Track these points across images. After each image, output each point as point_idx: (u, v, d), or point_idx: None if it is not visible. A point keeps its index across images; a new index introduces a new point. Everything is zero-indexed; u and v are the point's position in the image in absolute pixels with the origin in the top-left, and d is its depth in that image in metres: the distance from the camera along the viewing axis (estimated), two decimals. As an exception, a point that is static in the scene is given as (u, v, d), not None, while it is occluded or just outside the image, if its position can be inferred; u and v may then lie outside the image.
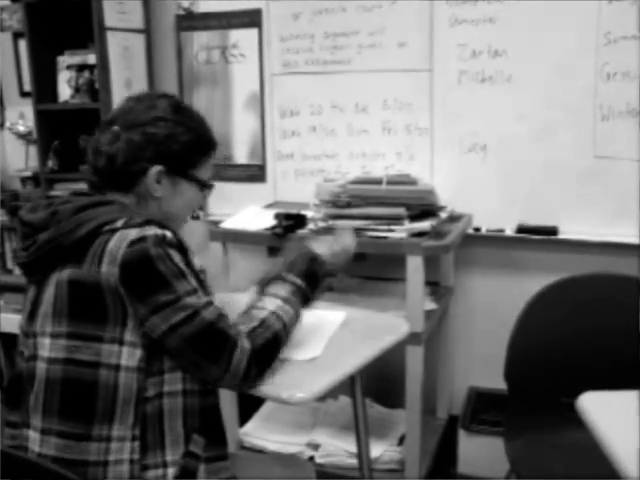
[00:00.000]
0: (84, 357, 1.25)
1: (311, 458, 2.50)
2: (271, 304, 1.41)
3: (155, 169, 1.37)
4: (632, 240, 2.39)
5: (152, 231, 1.27)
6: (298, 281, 1.47)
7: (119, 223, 1.29)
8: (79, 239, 1.27)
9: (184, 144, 1.40)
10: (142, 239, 1.26)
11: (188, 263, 1.31)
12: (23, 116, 3.34)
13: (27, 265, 1.35)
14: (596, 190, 2.46)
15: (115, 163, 1.36)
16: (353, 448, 2.17)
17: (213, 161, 1.50)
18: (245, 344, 1.31)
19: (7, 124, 3.41)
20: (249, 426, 2.68)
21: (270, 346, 1.36)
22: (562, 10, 2.39)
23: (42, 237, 1.31)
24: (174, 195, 1.43)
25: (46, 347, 1.29)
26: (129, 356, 1.25)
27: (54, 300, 1.29)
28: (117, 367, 1.25)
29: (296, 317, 1.45)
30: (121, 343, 1.25)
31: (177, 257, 1.28)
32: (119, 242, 1.26)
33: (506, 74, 2.50)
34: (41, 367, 1.28)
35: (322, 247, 1.59)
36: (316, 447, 2.54)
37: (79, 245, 1.27)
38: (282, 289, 1.45)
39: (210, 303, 1.31)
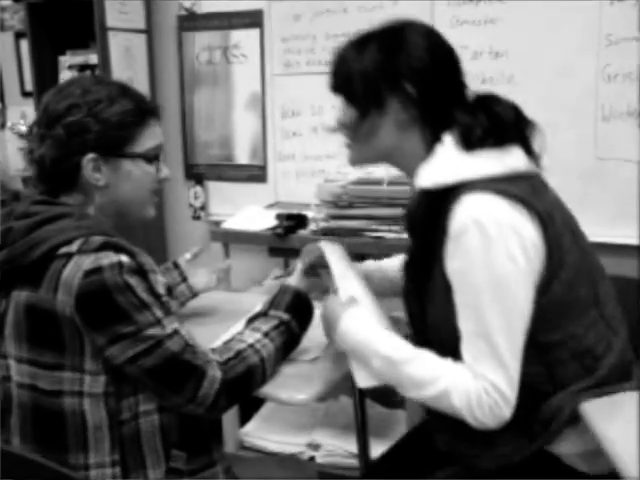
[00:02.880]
0: (46, 386, 1.22)
1: (312, 458, 2.50)
2: (250, 337, 1.36)
3: (87, 159, 1.27)
4: (632, 241, 2.39)
5: (107, 260, 1.19)
6: (284, 316, 1.43)
7: (74, 246, 1.21)
8: (34, 261, 1.21)
9: (108, 121, 1.28)
10: (97, 270, 1.18)
11: (150, 288, 1.24)
12: (24, 116, 3.34)
13: None
14: (597, 191, 2.46)
15: (45, 166, 1.28)
16: (354, 448, 2.17)
17: (154, 128, 1.36)
18: (216, 373, 1.26)
19: (8, 124, 3.41)
20: (249, 426, 2.67)
21: (243, 379, 1.31)
22: (563, 11, 2.39)
23: None
24: (120, 179, 1.32)
25: (14, 370, 1.26)
26: (92, 383, 1.21)
27: (14, 323, 1.25)
28: (80, 394, 1.21)
29: (277, 351, 1.38)
30: (82, 371, 1.21)
31: (137, 285, 1.21)
32: (74, 271, 1.19)
33: (507, 75, 2.51)
34: (14, 390, 1.26)
35: (303, 283, 1.53)
36: (317, 447, 2.53)
37: (35, 268, 1.21)
38: (264, 324, 1.41)
39: (175, 332, 1.24)
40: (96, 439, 1.22)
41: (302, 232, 2.41)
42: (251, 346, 1.34)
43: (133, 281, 1.21)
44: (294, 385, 1.41)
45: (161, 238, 3.22)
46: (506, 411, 1.19)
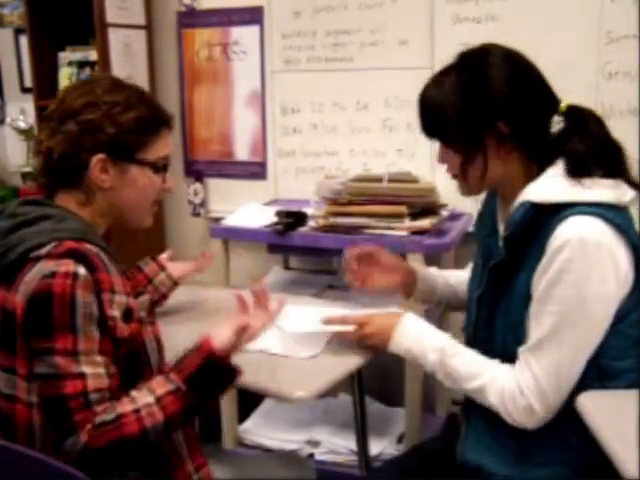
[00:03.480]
0: (4, 389, 1.22)
1: (311, 455, 2.50)
2: (141, 399, 1.19)
3: (96, 158, 1.28)
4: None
5: (64, 267, 1.17)
6: (182, 386, 1.21)
7: (44, 250, 1.20)
8: (10, 263, 1.21)
9: (123, 125, 1.29)
10: (52, 274, 1.16)
11: (100, 311, 1.19)
12: (24, 112, 3.33)
13: None
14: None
15: (52, 159, 1.28)
16: (353, 446, 2.17)
17: (166, 138, 1.37)
18: (80, 439, 1.14)
19: (8, 120, 3.41)
20: (249, 423, 2.68)
21: (112, 448, 1.15)
22: (564, 8, 2.39)
23: None
24: (125, 184, 1.32)
25: None
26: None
27: None
28: (30, 404, 1.19)
29: (167, 420, 1.19)
30: (29, 380, 1.19)
31: (81, 305, 1.16)
32: (35, 274, 1.18)
33: (507, 72, 2.50)
34: None
35: (225, 333, 1.28)
36: (316, 444, 2.54)
37: (11, 269, 1.21)
38: (160, 386, 1.21)
39: (81, 375, 1.15)
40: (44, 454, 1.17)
41: (302, 229, 2.40)
42: (137, 411, 1.17)
43: (80, 298, 1.17)
44: (293, 382, 1.41)
45: (160, 235, 3.22)
46: (541, 412, 1.26)
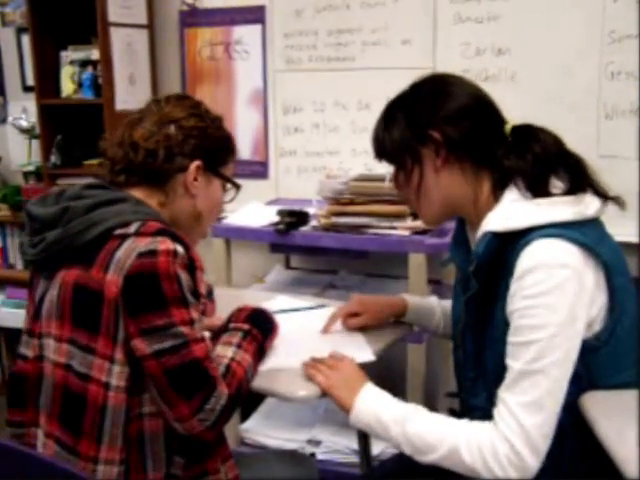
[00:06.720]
0: (78, 367, 1.22)
1: (312, 455, 2.50)
2: (228, 351, 1.30)
3: (195, 164, 1.35)
4: (632, 239, 2.39)
5: (164, 245, 1.20)
6: (244, 326, 1.38)
7: (132, 228, 1.22)
8: (89, 241, 1.22)
9: (217, 140, 1.40)
10: (152, 252, 1.19)
11: (194, 288, 1.24)
12: (26, 111, 3.34)
13: (35, 262, 1.31)
14: (599, 189, 2.45)
15: (156, 158, 1.32)
16: (354, 445, 2.17)
17: (234, 162, 1.48)
18: (224, 389, 1.22)
19: (10, 119, 3.41)
20: (250, 423, 2.68)
21: (238, 394, 1.26)
22: (566, 8, 2.39)
23: (50, 236, 1.25)
24: (206, 193, 1.40)
25: (51, 349, 1.26)
26: (119, 375, 1.19)
27: (58, 301, 1.25)
28: (107, 385, 1.19)
29: (253, 360, 1.34)
30: (112, 361, 1.19)
31: (184, 280, 1.22)
32: (129, 251, 1.19)
33: (509, 72, 2.50)
34: (48, 368, 1.26)
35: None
36: (317, 444, 2.54)
37: (89, 247, 1.22)
38: (232, 337, 1.35)
39: (202, 339, 1.23)
40: (111, 435, 1.20)
41: (303, 228, 2.40)
42: (232, 359, 1.29)
43: (181, 272, 1.21)
44: (295, 381, 1.41)
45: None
46: (530, 460, 1.16)
